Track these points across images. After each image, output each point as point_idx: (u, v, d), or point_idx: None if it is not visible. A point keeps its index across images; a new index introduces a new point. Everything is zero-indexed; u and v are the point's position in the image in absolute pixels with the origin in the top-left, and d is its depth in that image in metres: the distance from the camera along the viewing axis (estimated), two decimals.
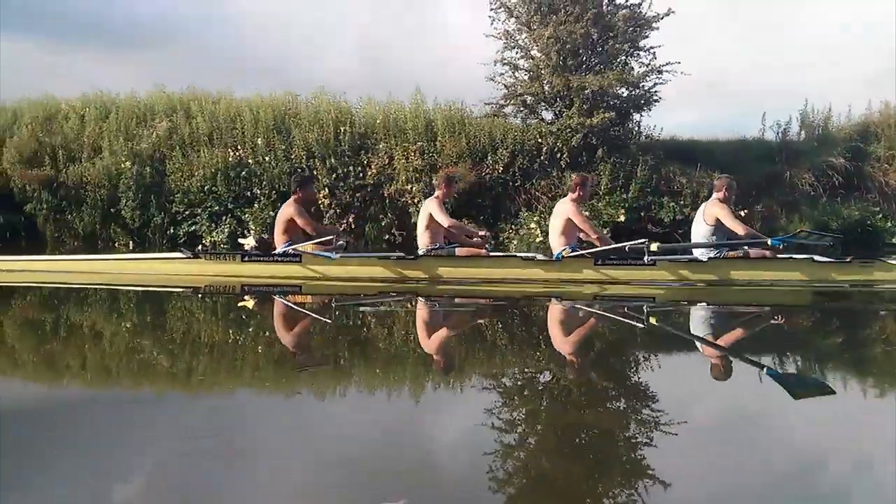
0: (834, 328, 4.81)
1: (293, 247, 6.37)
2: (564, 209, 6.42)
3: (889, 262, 6.40)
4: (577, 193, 6.43)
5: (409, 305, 5.44)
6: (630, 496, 1.82)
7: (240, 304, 5.71)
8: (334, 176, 11.51)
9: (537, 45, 11.86)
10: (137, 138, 12.14)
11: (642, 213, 11.34)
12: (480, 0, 26.72)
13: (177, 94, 13.07)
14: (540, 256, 6.62)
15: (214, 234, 11.07)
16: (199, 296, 5.92)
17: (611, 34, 11.76)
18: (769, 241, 6.12)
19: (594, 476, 2.00)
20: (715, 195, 6.52)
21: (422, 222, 6.63)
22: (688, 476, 2.00)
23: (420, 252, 6.55)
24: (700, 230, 6.49)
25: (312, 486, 1.88)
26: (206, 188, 11.48)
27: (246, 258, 6.46)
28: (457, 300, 5.80)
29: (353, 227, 11.36)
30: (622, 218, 10.90)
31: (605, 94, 11.82)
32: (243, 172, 11.54)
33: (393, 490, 1.77)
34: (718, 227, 6.31)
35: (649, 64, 11.75)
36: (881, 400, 2.88)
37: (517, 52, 12.43)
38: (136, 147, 11.93)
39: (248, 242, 7.05)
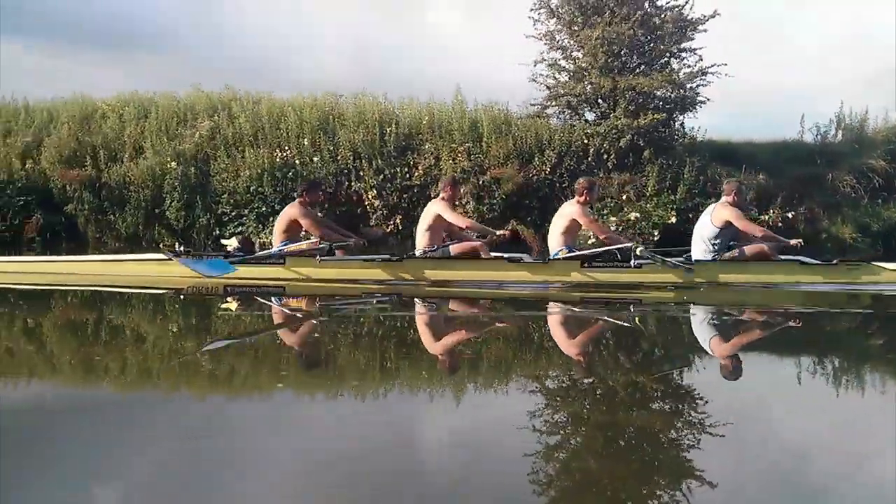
0: (823, 330, 4.83)
1: (277, 248, 6.38)
2: (570, 210, 6.47)
3: (876, 265, 6.47)
4: (584, 197, 6.48)
5: (391, 307, 5.44)
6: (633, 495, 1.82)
7: (222, 306, 5.63)
8: (381, 177, 11.45)
9: (582, 46, 11.83)
10: (179, 138, 12.04)
11: (690, 215, 11.32)
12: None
13: (216, 94, 12.94)
14: (527, 258, 6.64)
15: (262, 235, 10.98)
16: (182, 297, 5.82)
17: (655, 35, 11.77)
18: (794, 242, 6.44)
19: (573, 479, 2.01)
20: (724, 198, 6.64)
21: (424, 223, 6.59)
22: (724, 475, 1.98)
23: (417, 253, 6.53)
24: (705, 232, 6.56)
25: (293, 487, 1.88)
26: (252, 189, 11.39)
27: (231, 259, 6.35)
28: (440, 302, 5.80)
29: (399, 228, 11.32)
30: (673, 220, 10.90)
31: (649, 96, 11.82)
32: (290, 173, 11.45)
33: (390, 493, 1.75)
34: (726, 229, 6.42)
35: (696, 65, 11.72)
36: (867, 398, 2.96)
37: (559, 53, 12.40)
38: (179, 147, 11.82)
39: (231, 243, 6.95)
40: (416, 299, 5.82)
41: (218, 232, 11.49)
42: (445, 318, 5.04)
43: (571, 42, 12.33)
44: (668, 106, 11.94)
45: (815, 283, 6.35)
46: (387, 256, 6.44)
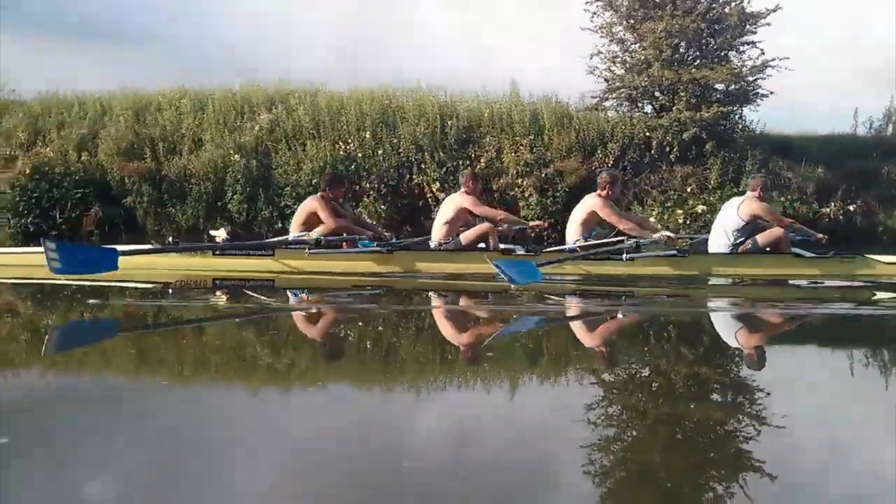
0: (819, 324, 4.71)
1: (267, 240, 6.35)
2: (591, 202, 6.50)
3: (870, 257, 6.48)
4: (605, 191, 6.47)
5: (380, 300, 5.29)
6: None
7: (211, 299, 5.48)
8: (444, 170, 11.43)
9: (643, 38, 11.82)
10: (239, 131, 12.01)
11: None
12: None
13: (272, 87, 12.92)
14: (520, 250, 6.59)
15: None
16: (170, 291, 5.67)
17: (716, 28, 11.76)
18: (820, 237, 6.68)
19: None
20: (750, 193, 6.67)
21: (443, 216, 6.58)
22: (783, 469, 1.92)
23: (432, 245, 6.51)
24: (730, 224, 6.58)
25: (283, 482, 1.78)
26: (314, 182, 11.34)
27: (218, 252, 6.25)
28: (431, 295, 5.72)
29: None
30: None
31: (710, 88, 11.82)
32: (352, 166, 11.43)
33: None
34: (750, 223, 6.47)
35: (758, 58, 11.72)
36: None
37: (617, 46, 12.40)
38: (240, 140, 11.79)
39: (220, 235, 6.89)
40: (405, 292, 5.69)
41: (280, 225, 11.47)
42: (436, 312, 4.90)
43: (628, 35, 12.32)
44: (729, 99, 11.92)
45: (810, 276, 6.32)
46: (377, 249, 6.28)
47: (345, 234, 6.32)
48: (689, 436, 2.21)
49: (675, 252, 6.38)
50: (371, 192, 11.34)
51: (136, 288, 5.69)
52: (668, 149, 11.56)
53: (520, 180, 11.37)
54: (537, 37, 25.88)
